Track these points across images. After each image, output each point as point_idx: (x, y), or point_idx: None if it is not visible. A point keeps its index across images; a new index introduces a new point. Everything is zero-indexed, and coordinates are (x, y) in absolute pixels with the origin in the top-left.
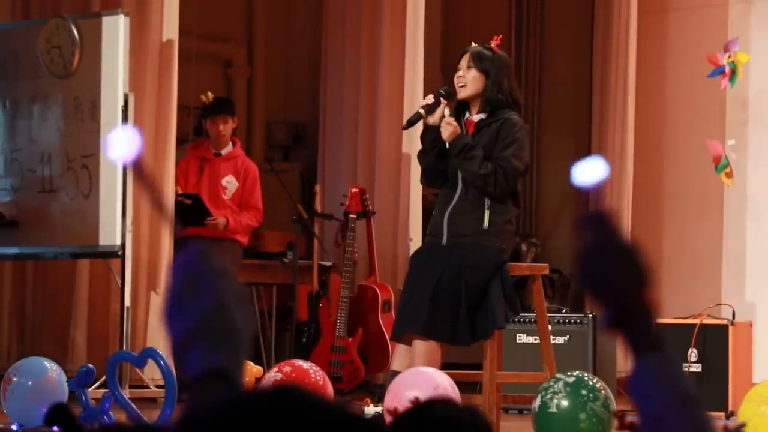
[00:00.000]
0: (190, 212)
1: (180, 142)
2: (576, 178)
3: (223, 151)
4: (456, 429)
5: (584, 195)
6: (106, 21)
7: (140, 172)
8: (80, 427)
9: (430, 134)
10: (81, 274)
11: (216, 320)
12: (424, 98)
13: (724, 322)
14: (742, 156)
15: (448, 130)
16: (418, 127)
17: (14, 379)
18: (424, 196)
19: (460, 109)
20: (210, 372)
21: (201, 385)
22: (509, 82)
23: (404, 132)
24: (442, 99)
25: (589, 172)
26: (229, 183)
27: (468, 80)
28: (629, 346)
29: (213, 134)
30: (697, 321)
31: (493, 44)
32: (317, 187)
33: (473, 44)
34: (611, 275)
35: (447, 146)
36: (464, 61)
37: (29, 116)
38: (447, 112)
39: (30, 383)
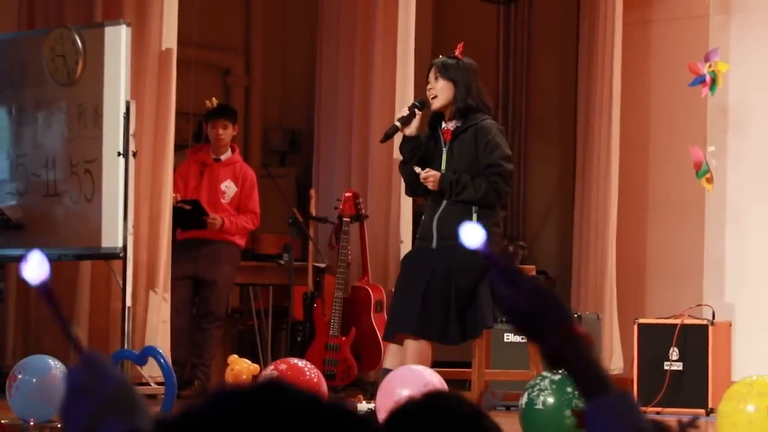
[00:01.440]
0: (190, 217)
1: (179, 147)
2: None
3: (223, 157)
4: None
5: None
6: (109, 31)
7: (49, 295)
8: None
9: (408, 145)
10: (83, 275)
11: (123, 393)
12: None
13: (705, 322)
14: (722, 162)
15: (430, 182)
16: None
17: (19, 376)
18: (414, 201)
19: (435, 118)
20: None
21: None
22: (477, 85)
23: (395, 138)
24: (417, 110)
25: (470, 235)
26: (228, 188)
27: (438, 91)
28: (578, 387)
29: (213, 138)
30: (678, 321)
31: (456, 52)
32: (312, 192)
33: (440, 56)
34: (534, 321)
35: (438, 191)
36: (432, 74)
37: (34, 122)
38: (418, 169)
39: (34, 380)
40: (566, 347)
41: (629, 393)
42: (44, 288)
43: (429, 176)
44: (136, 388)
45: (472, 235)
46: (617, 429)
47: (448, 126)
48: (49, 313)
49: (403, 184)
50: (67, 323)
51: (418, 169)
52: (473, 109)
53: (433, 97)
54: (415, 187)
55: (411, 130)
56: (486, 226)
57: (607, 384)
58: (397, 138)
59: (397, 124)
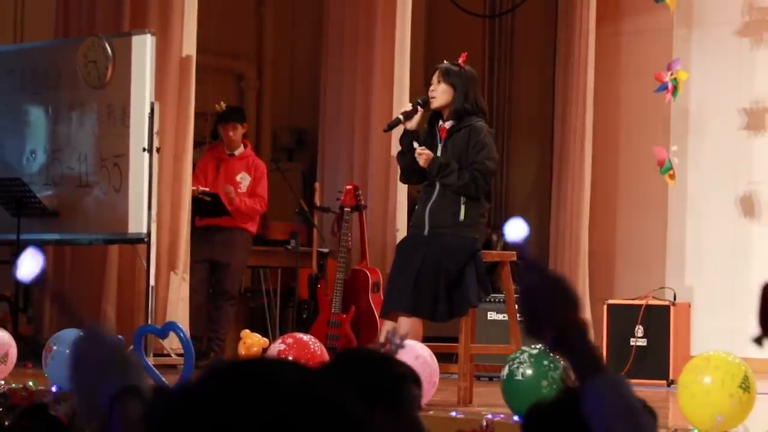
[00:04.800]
0: (210, 207)
1: (199, 144)
2: (507, 234)
3: (236, 152)
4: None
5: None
6: (136, 39)
7: (45, 287)
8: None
9: (408, 137)
10: (111, 258)
11: (119, 356)
12: None
13: (667, 303)
14: (683, 160)
15: (422, 158)
16: (401, 131)
17: (54, 347)
18: (409, 193)
19: (434, 117)
20: (126, 389)
21: (119, 402)
22: (475, 92)
23: (393, 136)
24: (418, 107)
25: (515, 230)
26: (243, 179)
27: (438, 93)
28: (574, 370)
29: (225, 138)
30: (643, 302)
31: (460, 60)
32: (317, 184)
33: (444, 62)
34: (546, 304)
35: (427, 170)
36: (435, 77)
37: (69, 121)
38: (416, 145)
39: (67, 351)
40: (570, 331)
41: (621, 375)
42: (40, 280)
43: (423, 153)
44: (131, 352)
45: (516, 229)
46: (611, 407)
47: (445, 125)
48: (49, 298)
49: (398, 176)
50: (66, 306)
51: (416, 144)
52: (468, 112)
53: (433, 97)
54: (409, 175)
55: (412, 124)
56: (473, 216)
57: (603, 366)
58: (396, 135)
59: (400, 117)
